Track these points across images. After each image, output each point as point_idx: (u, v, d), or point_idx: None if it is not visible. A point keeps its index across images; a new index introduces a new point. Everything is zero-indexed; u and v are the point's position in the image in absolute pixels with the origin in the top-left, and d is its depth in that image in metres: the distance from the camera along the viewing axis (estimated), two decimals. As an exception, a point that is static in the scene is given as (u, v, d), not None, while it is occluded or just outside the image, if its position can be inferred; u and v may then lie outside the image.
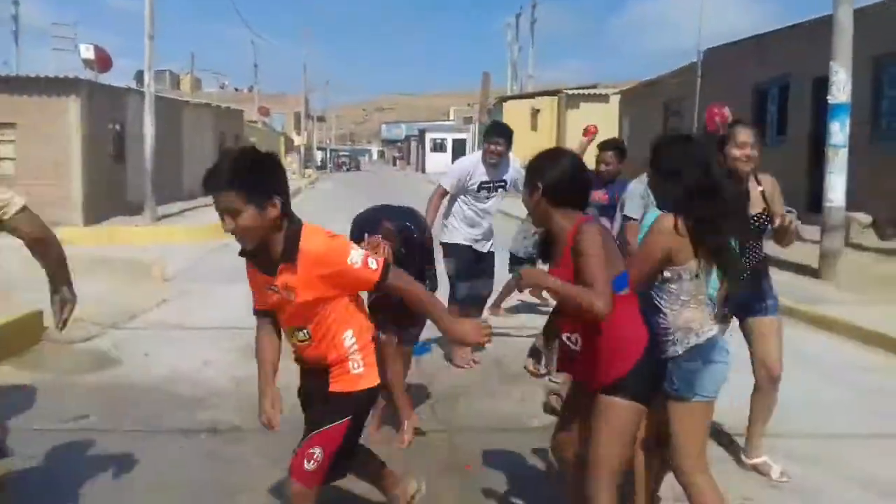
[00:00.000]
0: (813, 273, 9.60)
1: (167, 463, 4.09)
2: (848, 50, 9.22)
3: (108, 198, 16.41)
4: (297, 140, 57.47)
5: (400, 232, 4.20)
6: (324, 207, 21.50)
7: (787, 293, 8.49)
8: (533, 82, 40.08)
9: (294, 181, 37.40)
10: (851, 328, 7.03)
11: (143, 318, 7.55)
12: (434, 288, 4.42)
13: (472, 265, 5.98)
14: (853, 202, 10.24)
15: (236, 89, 68.02)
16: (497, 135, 5.85)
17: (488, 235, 6.11)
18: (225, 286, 9.44)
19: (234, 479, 3.90)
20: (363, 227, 4.22)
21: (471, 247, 5.98)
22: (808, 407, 4.95)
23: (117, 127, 17.51)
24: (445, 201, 5.97)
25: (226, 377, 5.64)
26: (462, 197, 5.94)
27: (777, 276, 9.71)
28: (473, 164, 5.93)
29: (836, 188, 9.37)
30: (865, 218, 11.51)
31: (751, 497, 3.72)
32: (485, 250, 6.09)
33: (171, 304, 8.24)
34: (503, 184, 5.95)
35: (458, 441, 4.51)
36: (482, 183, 5.85)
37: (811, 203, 13.20)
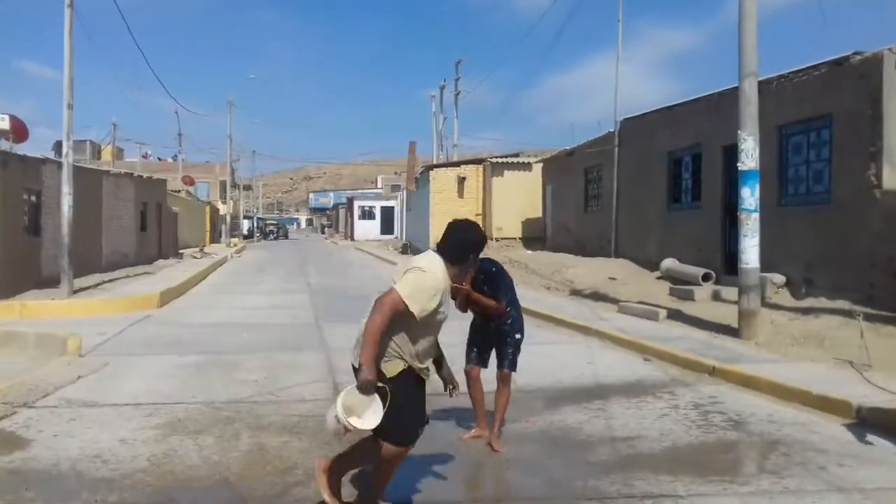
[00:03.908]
0: (733, 332, 9.90)
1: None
2: (754, 119, 9.73)
3: (22, 271, 15.77)
4: (223, 209, 56.72)
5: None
6: (244, 280, 21.14)
7: (706, 352, 8.75)
8: (458, 150, 40.85)
9: (220, 251, 36.80)
10: (771, 385, 7.22)
11: (57, 395, 7.18)
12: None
13: None
14: (766, 264, 10.67)
15: (159, 159, 66.84)
16: None
17: None
18: (144, 360, 9.14)
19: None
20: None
21: None
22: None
23: (32, 198, 16.96)
24: None
25: (144, 456, 5.38)
26: None
27: (698, 335, 9.98)
28: None
29: (749, 251, 9.75)
30: (779, 278, 11.99)
31: None
32: None
33: (86, 381, 7.87)
34: None
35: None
36: None
37: (727, 265, 13.72)
